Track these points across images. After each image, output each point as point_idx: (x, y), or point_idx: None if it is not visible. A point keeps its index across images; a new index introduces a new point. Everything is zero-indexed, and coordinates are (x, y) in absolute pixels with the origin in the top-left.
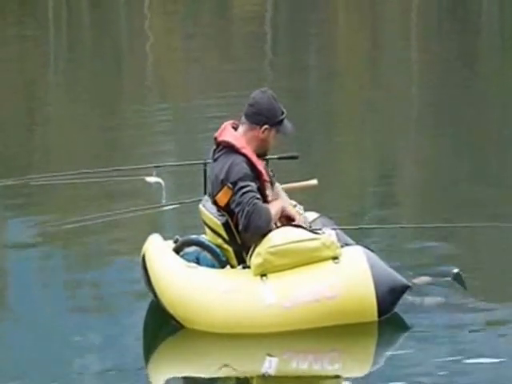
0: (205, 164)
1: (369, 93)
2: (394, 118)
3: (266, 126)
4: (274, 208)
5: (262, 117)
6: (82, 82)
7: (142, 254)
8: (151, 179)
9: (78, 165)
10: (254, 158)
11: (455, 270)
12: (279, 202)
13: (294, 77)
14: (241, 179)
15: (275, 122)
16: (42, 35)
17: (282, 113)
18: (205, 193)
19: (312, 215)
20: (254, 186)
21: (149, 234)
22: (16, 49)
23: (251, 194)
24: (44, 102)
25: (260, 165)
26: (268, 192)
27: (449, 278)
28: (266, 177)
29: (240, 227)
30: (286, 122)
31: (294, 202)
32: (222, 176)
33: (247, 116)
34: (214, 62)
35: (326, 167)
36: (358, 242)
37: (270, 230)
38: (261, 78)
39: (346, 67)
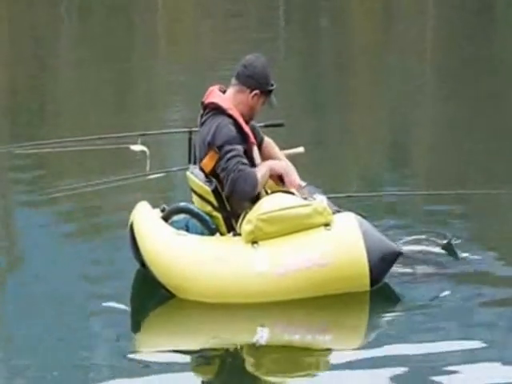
0: (190, 132)
1: (382, 58)
2: (407, 85)
3: (256, 91)
4: (260, 171)
5: (254, 81)
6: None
7: (129, 222)
8: (136, 147)
9: (81, 131)
10: (241, 120)
11: (447, 239)
12: (267, 163)
13: (306, 40)
14: (227, 142)
15: (266, 90)
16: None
17: (272, 84)
18: (189, 161)
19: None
20: (240, 149)
21: (135, 202)
22: (27, 12)
23: (236, 160)
24: (52, 64)
25: (247, 127)
26: (255, 155)
27: (440, 247)
28: (252, 139)
29: (225, 192)
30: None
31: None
32: (208, 138)
33: (238, 77)
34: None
35: (332, 134)
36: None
37: (258, 196)
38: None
39: (359, 31)
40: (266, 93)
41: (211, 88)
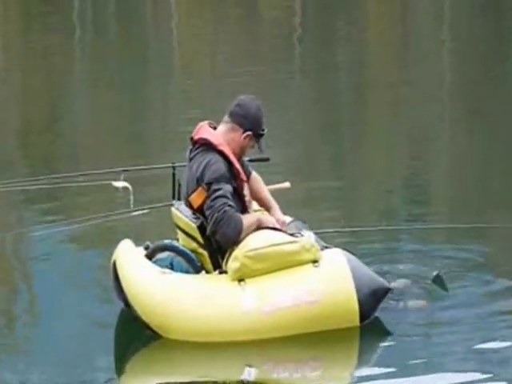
0: (173, 168)
1: (399, 85)
2: (425, 113)
3: (248, 133)
4: (247, 219)
5: (248, 121)
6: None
7: (112, 260)
8: (118, 184)
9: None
10: (232, 156)
11: (436, 272)
12: (258, 216)
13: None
14: (216, 180)
15: (257, 133)
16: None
17: (264, 129)
18: (173, 197)
19: (286, 219)
20: (227, 189)
21: (118, 240)
22: (39, 34)
23: (223, 200)
24: (64, 94)
25: (237, 163)
26: (245, 192)
27: (429, 280)
28: (243, 176)
29: (207, 232)
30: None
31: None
32: (197, 175)
33: (232, 115)
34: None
35: (348, 166)
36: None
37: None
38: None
39: (375, 57)
40: (257, 136)
41: (201, 124)
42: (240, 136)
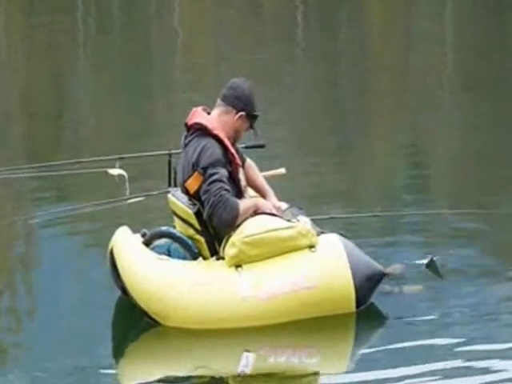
0: (169, 155)
1: (401, 72)
2: (427, 102)
3: (242, 113)
4: (244, 203)
5: (241, 102)
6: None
7: (109, 248)
8: (114, 171)
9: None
10: (227, 141)
11: (430, 257)
12: (255, 200)
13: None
14: (211, 165)
15: (251, 114)
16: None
17: (256, 110)
18: (169, 185)
19: (282, 206)
20: (223, 173)
21: (114, 227)
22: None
23: (219, 185)
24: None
25: (232, 148)
26: (240, 176)
27: (423, 265)
28: (238, 160)
29: (204, 216)
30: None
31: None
32: (193, 160)
33: (225, 97)
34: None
35: (347, 152)
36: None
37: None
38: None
39: (377, 47)
40: (251, 117)
41: (195, 109)
42: (233, 117)
